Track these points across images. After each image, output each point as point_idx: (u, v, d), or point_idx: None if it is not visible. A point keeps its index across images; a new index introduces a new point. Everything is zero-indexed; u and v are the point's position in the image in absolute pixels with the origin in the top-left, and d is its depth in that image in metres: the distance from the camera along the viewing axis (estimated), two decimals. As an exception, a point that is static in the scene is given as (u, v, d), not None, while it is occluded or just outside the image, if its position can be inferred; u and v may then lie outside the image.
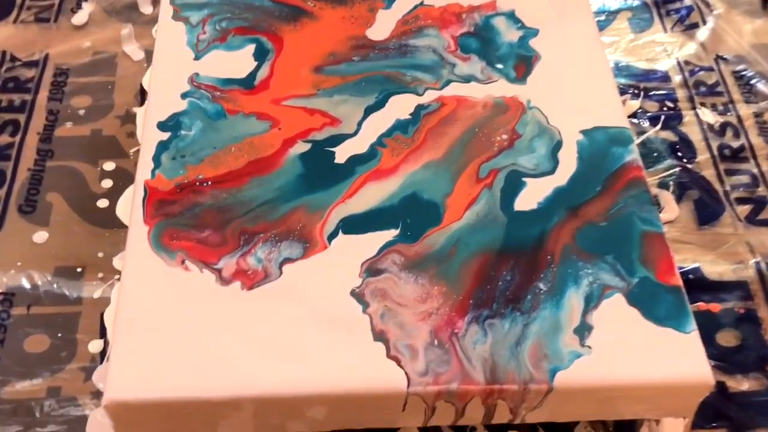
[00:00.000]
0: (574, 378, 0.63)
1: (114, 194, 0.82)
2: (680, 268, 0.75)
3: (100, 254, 0.79)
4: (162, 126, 0.77)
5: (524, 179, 0.75)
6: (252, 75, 0.81)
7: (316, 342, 0.63)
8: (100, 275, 0.79)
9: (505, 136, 0.78)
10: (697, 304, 0.82)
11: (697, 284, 0.79)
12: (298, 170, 0.74)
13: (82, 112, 0.95)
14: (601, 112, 0.80)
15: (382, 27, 0.88)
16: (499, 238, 0.70)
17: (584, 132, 0.78)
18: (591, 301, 0.67)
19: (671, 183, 0.86)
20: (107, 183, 0.86)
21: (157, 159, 0.74)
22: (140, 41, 0.98)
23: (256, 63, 0.83)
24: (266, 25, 0.87)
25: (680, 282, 0.69)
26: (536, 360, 0.63)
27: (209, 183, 0.73)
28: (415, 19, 0.89)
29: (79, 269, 0.78)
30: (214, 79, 0.81)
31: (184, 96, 0.79)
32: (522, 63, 0.84)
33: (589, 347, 0.64)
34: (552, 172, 0.75)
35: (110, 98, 0.98)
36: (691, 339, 0.66)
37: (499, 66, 0.84)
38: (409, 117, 0.79)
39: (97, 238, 0.83)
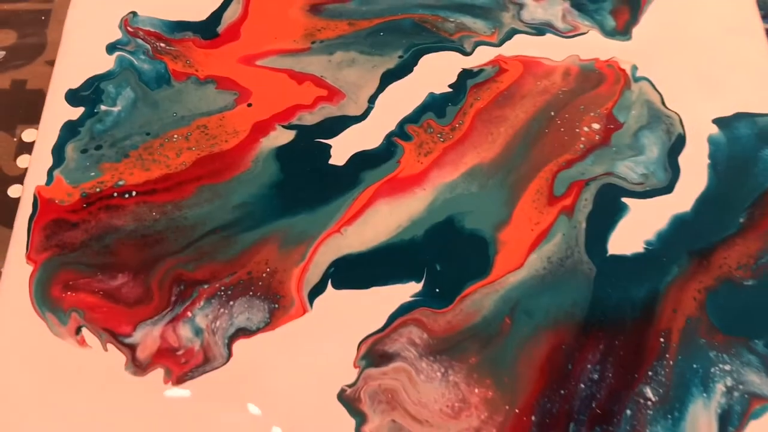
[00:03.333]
0: None
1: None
2: None
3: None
4: (72, 97, 0.50)
5: (624, 200, 0.46)
6: (215, 17, 0.54)
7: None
8: None
9: (596, 126, 0.49)
10: None
11: None
12: (271, 176, 0.47)
13: (0, 54, 0.67)
14: (747, 90, 0.51)
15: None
16: (583, 303, 0.43)
17: (720, 122, 0.49)
18: (730, 423, 0.40)
19: None
20: (25, 161, 0.59)
21: (58, 151, 0.48)
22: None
23: (223, -2, 0.55)
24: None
25: None
26: None
27: (133, 194, 0.46)
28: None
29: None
30: (159, 23, 0.53)
31: (111, 49, 0.52)
32: (624, 5, 0.55)
33: None
34: (669, 189, 0.47)
35: (42, 35, 0.70)
36: None
37: (591, 8, 0.54)
38: (449, 91, 0.50)
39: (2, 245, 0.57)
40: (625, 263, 0.46)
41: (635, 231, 0.47)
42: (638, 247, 0.46)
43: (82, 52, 0.52)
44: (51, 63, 0.68)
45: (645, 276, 0.45)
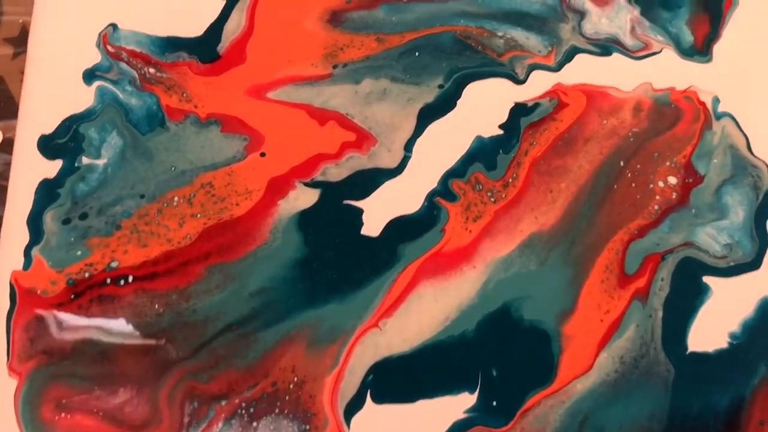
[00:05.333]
0: None
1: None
2: None
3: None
4: (46, 146, 0.41)
5: (706, 280, 0.40)
6: (215, 30, 0.44)
7: None
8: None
9: (673, 180, 0.42)
10: None
11: None
12: (293, 251, 0.40)
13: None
14: None
15: None
16: (661, 415, 0.38)
17: (816, 174, 0.42)
18: None
19: None
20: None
21: (35, 222, 0.39)
22: None
23: (224, 2, 0.44)
24: None
25: None
26: None
27: (130, 280, 0.38)
28: None
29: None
30: (146, 39, 0.43)
31: (89, 77, 0.42)
32: (704, 14, 0.46)
33: None
34: (756, 263, 0.40)
35: (-4, 3, 0.59)
36: None
37: (665, 17, 0.45)
38: (500, 133, 0.42)
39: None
40: (707, 362, 0.40)
41: (718, 319, 0.40)
42: (722, 341, 0.40)
43: (53, 80, 0.43)
44: (11, 42, 0.58)
45: (729, 378, 0.39)
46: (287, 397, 0.38)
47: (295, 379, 0.38)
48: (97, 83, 0.43)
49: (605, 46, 0.45)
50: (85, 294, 0.39)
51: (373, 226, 0.41)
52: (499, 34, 0.45)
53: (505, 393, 0.38)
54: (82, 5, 0.45)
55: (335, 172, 0.42)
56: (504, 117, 0.44)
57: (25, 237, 0.40)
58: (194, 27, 0.44)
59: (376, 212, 0.41)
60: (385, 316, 0.40)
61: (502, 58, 0.45)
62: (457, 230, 0.41)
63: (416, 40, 0.45)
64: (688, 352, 0.40)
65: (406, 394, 0.38)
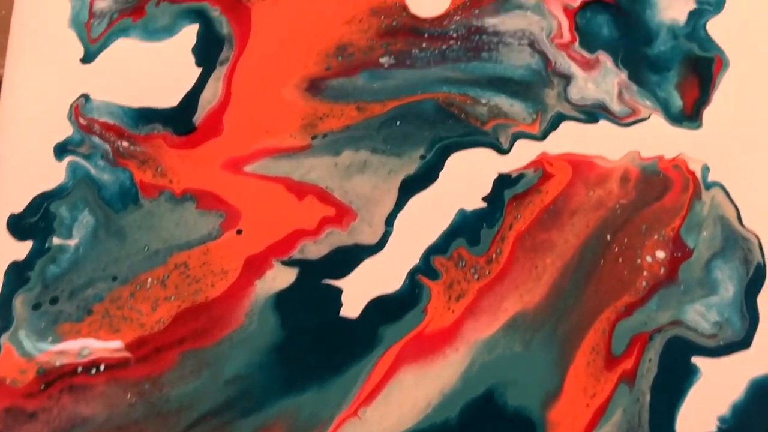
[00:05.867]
0: None
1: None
2: None
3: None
4: (16, 226, 0.39)
5: (695, 361, 0.39)
6: (190, 99, 0.42)
7: None
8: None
9: (661, 254, 0.41)
10: None
11: None
12: (270, 335, 0.39)
13: None
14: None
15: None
16: (647, 506, 0.36)
17: (808, 247, 0.41)
18: None
19: None
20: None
21: (5, 307, 0.38)
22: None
23: (199, 70, 0.43)
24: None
25: None
26: None
27: (102, 368, 0.37)
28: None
29: None
30: (119, 111, 0.42)
31: (60, 152, 0.41)
32: (693, 77, 0.44)
33: None
34: (746, 343, 0.39)
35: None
36: None
37: (654, 80, 0.44)
38: (484, 206, 0.41)
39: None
40: (696, 449, 0.39)
41: (707, 402, 0.39)
42: (711, 425, 0.39)
43: (23, 156, 0.41)
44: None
45: (719, 466, 0.38)
46: (264, 492, 0.37)
47: (272, 471, 0.37)
48: (68, 158, 0.42)
49: (592, 113, 0.44)
50: (56, 383, 0.38)
51: (352, 306, 0.40)
52: (483, 101, 0.44)
53: (489, 484, 0.37)
54: (52, 75, 0.43)
55: (314, 249, 0.41)
56: (487, 188, 0.42)
57: (-7, 324, 0.39)
58: (169, 97, 0.43)
59: (356, 291, 0.40)
60: (364, 404, 0.38)
61: (486, 126, 0.44)
62: (439, 310, 0.40)
63: (398, 109, 0.44)
64: (676, 438, 0.39)
65: (387, 487, 0.37)
